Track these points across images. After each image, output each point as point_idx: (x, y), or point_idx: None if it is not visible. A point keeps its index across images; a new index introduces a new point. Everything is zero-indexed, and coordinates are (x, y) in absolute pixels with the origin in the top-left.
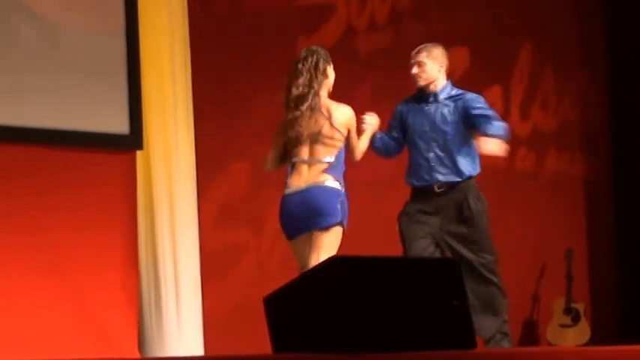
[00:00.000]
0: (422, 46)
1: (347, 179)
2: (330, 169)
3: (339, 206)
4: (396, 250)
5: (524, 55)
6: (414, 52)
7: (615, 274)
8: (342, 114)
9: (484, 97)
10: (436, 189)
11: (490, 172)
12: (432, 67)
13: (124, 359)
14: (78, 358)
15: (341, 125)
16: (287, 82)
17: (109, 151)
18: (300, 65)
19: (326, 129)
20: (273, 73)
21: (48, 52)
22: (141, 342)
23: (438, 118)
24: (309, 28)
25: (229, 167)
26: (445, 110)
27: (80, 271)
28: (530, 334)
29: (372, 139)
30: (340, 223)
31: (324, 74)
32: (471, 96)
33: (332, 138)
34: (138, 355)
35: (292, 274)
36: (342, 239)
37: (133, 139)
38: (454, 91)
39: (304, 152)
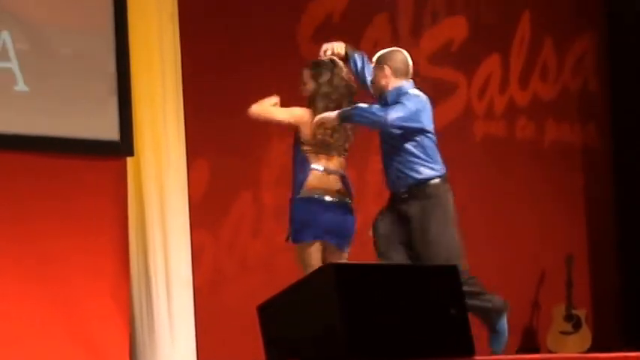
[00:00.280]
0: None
1: None
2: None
3: None
4: None
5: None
6: None
7: (617, 280)
8: None
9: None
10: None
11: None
12: None
13: None
14: None
15: None
16: (330, 79)
17: (99, 157)
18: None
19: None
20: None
21: (36, 57)
22: (132, 351)
23: None
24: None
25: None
26: None
27: (70, 279)
28: (530, 341)
29: None
30: None
31: None
32: None
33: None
34: None
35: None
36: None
37: (124, 146)
38: None
39: (333, 162)
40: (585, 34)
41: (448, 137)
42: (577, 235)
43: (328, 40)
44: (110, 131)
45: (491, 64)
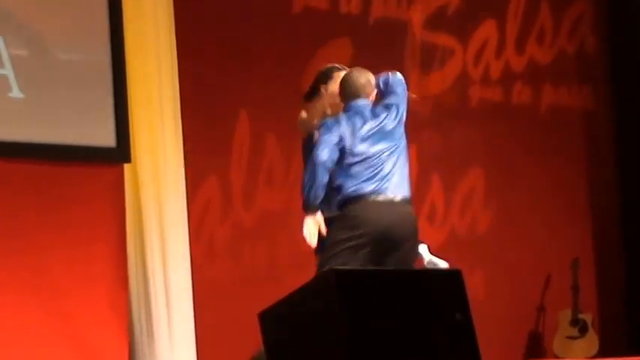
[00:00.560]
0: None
1: None
2: None
3: None
4: None
5: None
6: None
7: (624, 283)
8: None
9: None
10: None
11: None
12: None
13: None
14: None
15: None
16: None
17: (96, 164)
18: None
19: None
20: (264, 83)
21: (31, 63)
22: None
23: None
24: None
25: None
26: None
27: (67, 287)
28: (536, 346)
29: None
30: None
31: None
32: None
33: None
34: None
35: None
36: None
37: (120, 152)
38: None
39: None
40: None
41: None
42: (583, 239)
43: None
44: (106, 138)
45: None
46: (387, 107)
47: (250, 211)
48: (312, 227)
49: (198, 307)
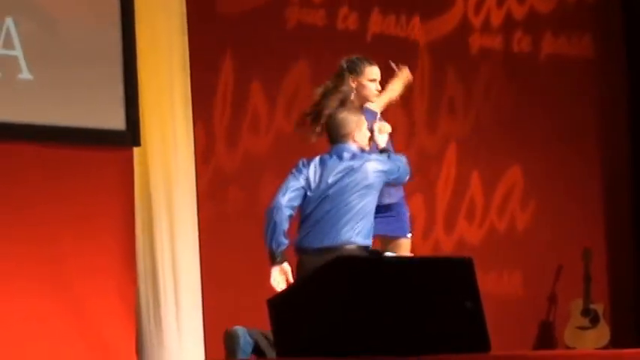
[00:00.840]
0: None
1: None
2: None
3: None
4: None
5: None
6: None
7: (636, 273)
8: None
9: None
10: None
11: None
12: None
13: None
14: None
15: None
16: None
17: (105, 148)
18: None
19: None
20: (275, 65)
21: (40, 45)
22: (139, 351)
23: None
24: None
25: (230, 164)
26: None
27: (75, 274)
28: (547, 336)
29: None
30: None
31: None
32: None
33: None
34: None
35: None
36: None
37: (130, 136)
38: None
39: None
40: None
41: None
42: (595, 228)
43: None
44: (116, 121)
45: None
46: (381, 173)
47: (262, 198)
48: (278, 277)
49: (207, 296)
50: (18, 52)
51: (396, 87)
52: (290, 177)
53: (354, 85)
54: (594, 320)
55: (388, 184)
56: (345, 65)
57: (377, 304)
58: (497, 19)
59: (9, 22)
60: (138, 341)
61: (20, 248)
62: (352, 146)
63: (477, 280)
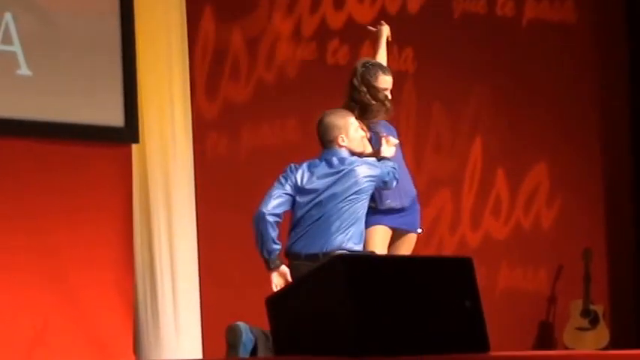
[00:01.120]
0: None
1: None
2: None
3: None
4: None
5: None
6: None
7: (636, 275)
8: None
9: None
10: None
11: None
12: None
13: None
14: None
15: None
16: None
17: (103, 144)
18: None
19: None
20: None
21: (39, 41)
22: (136, 347)
23: None
24: None
25: (229, 159)
26: None
27: (72, 269)
28: (546, 337)
29: None
30: None
31: None
32: None
33: None
34: (133, 359)
35: None
36: None
37: (129, 132)
38: None
39: None
40: None
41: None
42: (595, 228)
43: None
44: (115, 117)
45: None
46: (371, 179)
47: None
48: (278, 281)
49: (205, 292)
50: (17, 47)
51: (383, 46)
52: (275, 184)
53: (365, 89)
54: (594, 321)
55: (380, 189)
56: (360, 69)
57: (375, 303)
58: None
59: (8, 17)
60: (135, 337)
61: (18, 243)
62: (341, 151)
63: (477, 280)
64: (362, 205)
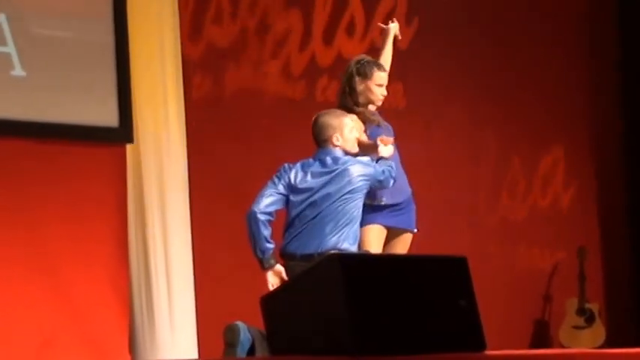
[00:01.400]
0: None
1: None
2: None
3: None
4: None
5: None
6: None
7: (631, 272)
8: None
9: None
10: None
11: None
12: None
13: None
14: None
15: None
16: None
17: (98, 144)
18: None
19: None
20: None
21: (33, 42)
22: (132, 346)
23: None
24: None
25: (222, 160)
26: None
27: (68, 269)
28: (542, 335)
29: None
30: None
31: None
32: None
33: None
34: (128, 358)
35: None
36: None
37: (123, 132)
38: None
39: None
40: None
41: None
42: (589, 226)
43: None
44: (109, 117)
45: None
46: (365, 178)
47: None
48: (273, 280)
49: (200, 291)
50: (11, 48)
51: (389, 44)
52: (268, 184)
53: (361, 87)
54: (590, 320)
55: (375, 188)
56: (354, 67)
57: (371, 303)
58: None
59: (2, 18)
60: (130, 337)
61: (13, 243)
62: (335, 150)
63: (471, 279)
64: (356, 205)
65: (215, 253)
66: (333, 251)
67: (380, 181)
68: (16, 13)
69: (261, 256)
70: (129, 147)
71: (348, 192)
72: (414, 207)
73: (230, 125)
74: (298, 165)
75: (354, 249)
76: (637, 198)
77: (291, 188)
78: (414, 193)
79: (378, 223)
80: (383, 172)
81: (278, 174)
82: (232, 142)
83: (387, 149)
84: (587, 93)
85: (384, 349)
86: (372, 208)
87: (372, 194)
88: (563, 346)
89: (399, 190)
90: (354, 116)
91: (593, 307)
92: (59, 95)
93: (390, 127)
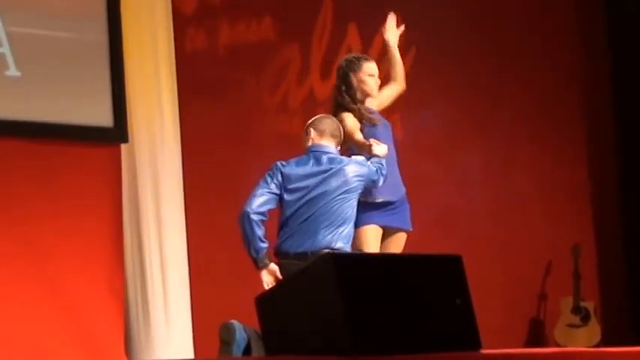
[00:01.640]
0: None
1: None
2: None
3: None
4: None
5: None
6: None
7: (625, 271)
8: None
9: None
10: None
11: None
12: None
13: None
14: None
15: None
16: None
17: (93, 144)
18: None
19: None
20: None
21: (28, 42)
22: (127, 346)
23: None
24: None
25: (217, 159)
26: None
27: (63, 269)
28: (537, 334)
29: None
30: None
31: None
32: None
33: None
34: (124, 358)
35: None
36: None
37: (118, 132)
38: None
39: None
40: None
41: None
42: (583, 224)
43: None
44: (104, 117)
45: None
46: (359, 177)
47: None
48: (268, 278)
49: (195, 291)
50: (5, 49)
51: (392, 37)
52: (260, 183)
53: (355, 81)
54: (585, 318)
55: (369, 187)
56: (344, 65)
57: (366, 302)
58: None
59: None
60: (126, 336)
61: (7, 245)
62: (331, 149)
63: (467, 278)
64: (351, 205)
65: (210, 252)
66: (326, 250)
67: (374, 181)
68: (10, 14)
69: (255, 256)
70: (124, 147)
71: (344, 192)
72: (408, 206)
73: (227, 125)
74: (292, 162)
75: (347, 248)
76: (631, 195)
77: (284, 187)
78: (407, 193)
79: (374, 223)
80: (377, 171)
81: (270, 172)
82: (227, 141)
83: (379, 148)
84: (580, 92)
85: (380, 348)
86: (367, 207)
87: (366, 191)
88: (558, 345)
89: (394, 188)
90: (351, 115)
91: (589, 305)
92: (54, 95)
93: (388, 125)
